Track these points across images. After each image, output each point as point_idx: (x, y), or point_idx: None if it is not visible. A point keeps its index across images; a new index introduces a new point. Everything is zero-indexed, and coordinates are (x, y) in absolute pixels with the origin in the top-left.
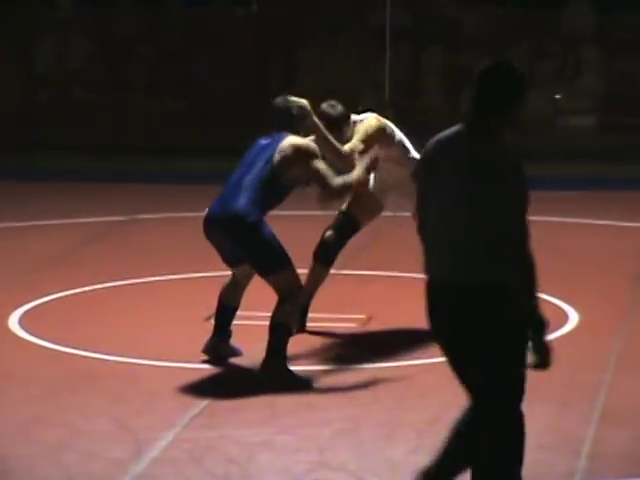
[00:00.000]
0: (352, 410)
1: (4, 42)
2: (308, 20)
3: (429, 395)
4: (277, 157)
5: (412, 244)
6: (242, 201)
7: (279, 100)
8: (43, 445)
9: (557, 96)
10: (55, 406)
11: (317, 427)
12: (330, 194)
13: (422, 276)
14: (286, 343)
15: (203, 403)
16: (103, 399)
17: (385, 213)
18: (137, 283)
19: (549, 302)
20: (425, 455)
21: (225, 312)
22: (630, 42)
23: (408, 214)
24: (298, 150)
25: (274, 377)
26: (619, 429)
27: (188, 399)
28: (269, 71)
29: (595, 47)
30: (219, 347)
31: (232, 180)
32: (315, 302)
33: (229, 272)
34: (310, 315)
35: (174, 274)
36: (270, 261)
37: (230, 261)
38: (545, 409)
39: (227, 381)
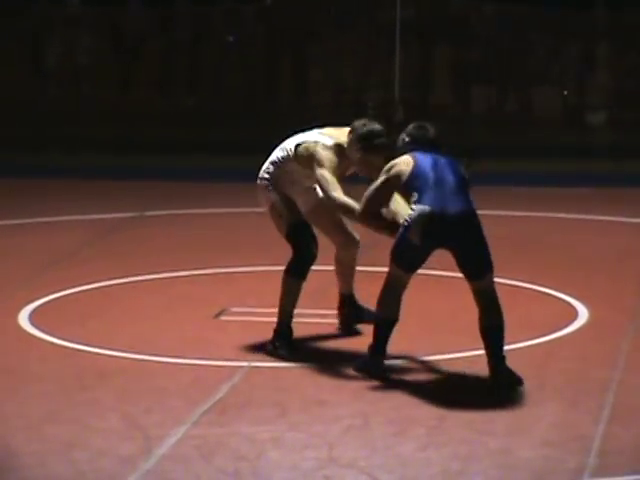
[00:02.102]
0: (362, 407)
1: (14, 39)
2: (318, 17)
3: (439, 391)
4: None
5: None
6: (469, 199)
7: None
8: (54, 442)
9: (565, 92)
10: (65, 403)
11: (327, 424)
12: None
13: (429, 273)
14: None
15: (213, 400)
16: (113, 396)
17: None
18: (147, 280)
19: (559, 298)
20: (435, 451)
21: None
22: None
23: None
24: None
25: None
26: (628, 426)
27: (198, 396)
28: (279, 68)
29: (605, 43)
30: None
31: (447, 178)
32: (323, 299)
33: (238, 269)
34: (319, 312)
35: (184, 271)
36: (489, 260)
37: (418, 266)
38: (554, 406)
39: (237, 378)
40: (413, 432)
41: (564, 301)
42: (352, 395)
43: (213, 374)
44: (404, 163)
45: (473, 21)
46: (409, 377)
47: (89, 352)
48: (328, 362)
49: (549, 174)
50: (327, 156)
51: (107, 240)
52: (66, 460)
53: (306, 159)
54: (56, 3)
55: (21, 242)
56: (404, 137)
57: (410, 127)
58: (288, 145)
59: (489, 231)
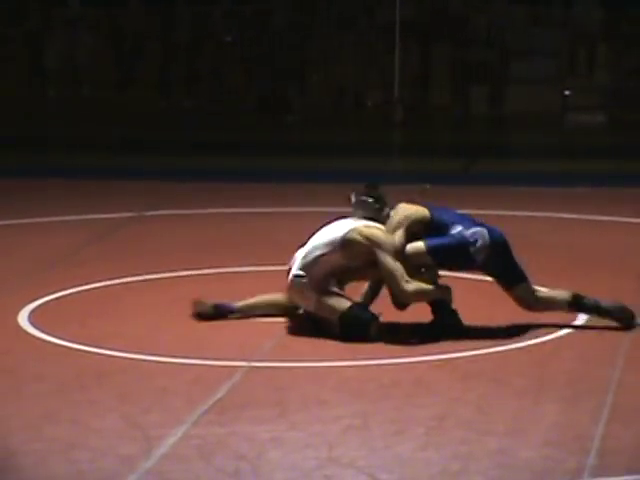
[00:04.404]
0: (361, 406)
1: (15, 40)
2: (317, 17)
3: (438, 391)
4: None
5: None
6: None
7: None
8: (53, 442)
9: (566, 92)
10: (65, 403)
11: (326, 423)
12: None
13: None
14: None
15: (212, 400)
16: (113, 396)
17: None
18: (147, 280)
19: None
20: (435, 451)
21: None
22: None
23: None
24: None
25: None
26: (628, 426)
27: (197, 396)
28: (278, 68)
29: (605, 43)
30: None
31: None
32: None
33: (238, 269)
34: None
35: (184, 271)
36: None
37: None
38: (554, 406)
39: (236, 378)
40: (413, 432)
41: None
42: (352, 395)
43: (213, 374)
44: (415, 209)
45: (473, 21)
46: (408, 377)
47: (88, 352)
48: (328, 361)
49: (549, 174)
50: (384, 231)
51: (107, 240)
52: (66, 460)
53: (359, 244)
54: (56, 4)
55: (20, 242)
56: (367, 199)
57: (363, 189)
58: (330, 235)
59: None
